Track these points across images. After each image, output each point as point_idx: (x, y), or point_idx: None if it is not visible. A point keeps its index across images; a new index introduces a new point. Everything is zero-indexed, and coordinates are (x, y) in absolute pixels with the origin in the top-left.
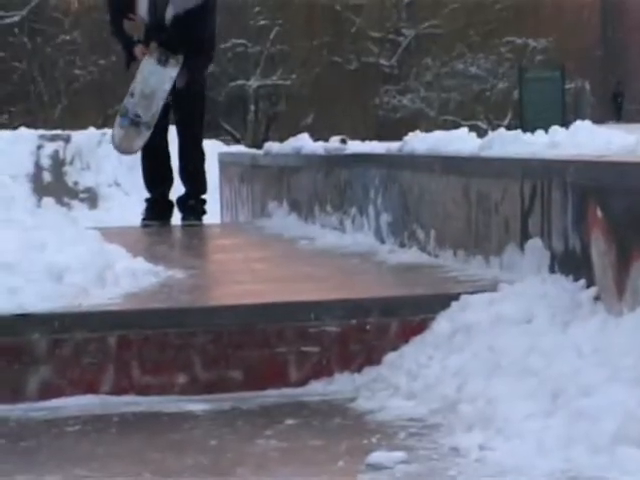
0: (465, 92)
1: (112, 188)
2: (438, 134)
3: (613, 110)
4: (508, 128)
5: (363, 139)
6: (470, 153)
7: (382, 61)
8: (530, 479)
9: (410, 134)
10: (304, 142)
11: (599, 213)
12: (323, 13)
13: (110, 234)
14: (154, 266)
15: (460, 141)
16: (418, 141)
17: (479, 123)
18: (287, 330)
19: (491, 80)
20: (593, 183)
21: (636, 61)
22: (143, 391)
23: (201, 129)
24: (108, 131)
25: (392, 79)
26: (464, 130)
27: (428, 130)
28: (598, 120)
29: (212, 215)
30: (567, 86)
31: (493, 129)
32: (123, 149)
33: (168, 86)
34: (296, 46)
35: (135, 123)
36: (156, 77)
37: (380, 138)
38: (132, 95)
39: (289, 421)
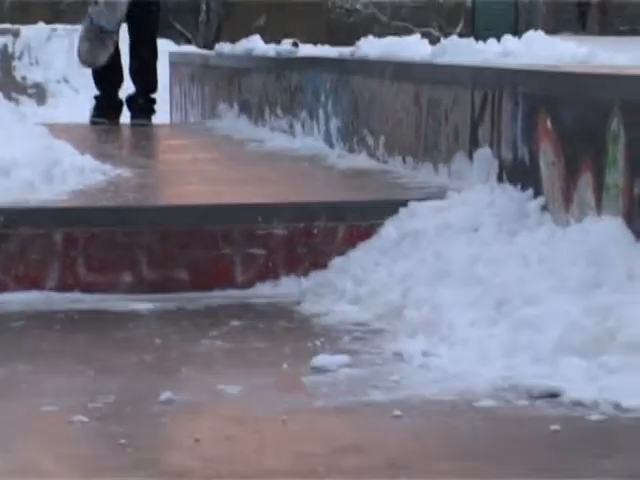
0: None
1: (61, 84)
2: (390, 40)
3: (577, 19)
4: (460, 36)
5: (315, 43)
6: (422, 60)
7: None
8: (472, 385)
9: (362, 39)
10: (256, 44)
11: (549, 123)
12: None
13: (58, 130)
14: (102, 164)
15: (412, 47)
16: (370, 46)
17: (431, 30)
18: (234, 232)
19: None
20: (544, 93)
21: None
22: (88, 289)
23: (156, 26)
24: (58, 26)
25: None
26: (417, 36)
27: (380, 36)
28: (551, 31)
29: (162, 115)
30: None
31: (445, 37)
32: (88, 63)
33: None
34: None
35: (100, 37)
36: None
37: (332, 42)
38: (96, 3)
39: (234, 322)
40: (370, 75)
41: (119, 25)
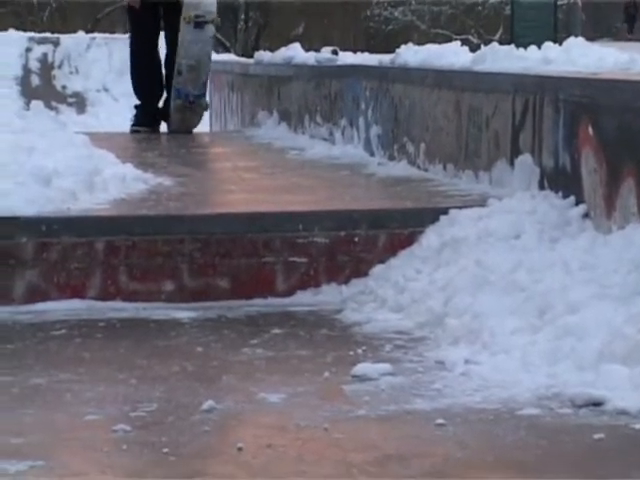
0: (457, 5)
1: (101, 93)
2: (430, 47)
3: (626, 22)
4: (499, 43)
5: (354, 51)
6: (462, 67)
7: None
8: (514, 394)
9: (402, 46)
10: (295, 52)
11: (590, 130)
12: None
13: (98, 139)
14: (143, 173)
15: (453, 55)
16: (410, 54)
17: (470, 37)
18: (275, 240)
19: None
20: (585, 100)
21: None
22: (130, 297)
23: None
24: (97, 35)
25: None
26: (457, 44)
27: (419, 43)
28: (590, 37)
29: (202, 124)
30: (559, 2)
31: (484, 44)
32: (184, 131)
33: (210, 48)
34: None
35: (190, 107)
36: (197, 44)
37: (370, 50)
38: (180, 73)
39: (275, 330)
40: (410, 83)
41: (205, 87)
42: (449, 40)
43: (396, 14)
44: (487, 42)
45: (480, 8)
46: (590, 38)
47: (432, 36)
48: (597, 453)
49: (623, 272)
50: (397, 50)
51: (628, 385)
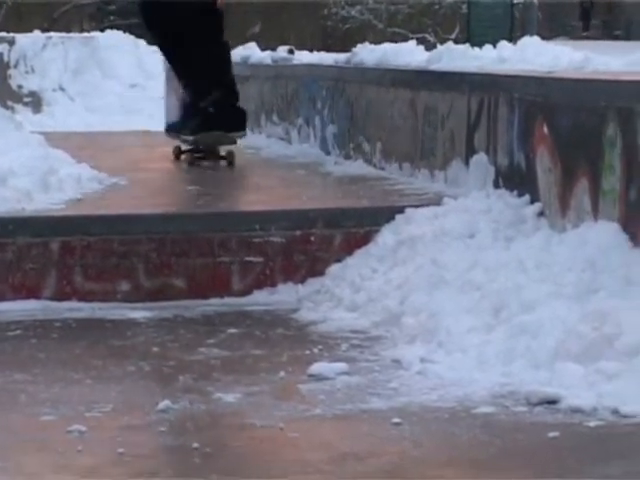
0: (414, 4)
1: (57, 93)
2: (386, 46)
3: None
4: (456, 42)
5: (311, 50)
6: (418, 66)
7: None
8: (470, 392)
9: (359, 45)
10: (252, 51)
11: (545, 129)
12: None
13: (54, 139)
14: (98, 173)
15: (408, 54)
16: (367, 53)
17: (427, 36)
18: (231, 239)
19: None
20: (540, 99)
21: None
22: (85, 297)
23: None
24: (53, 34)
25: None
26: (412, 43)
27: (376, 42)
28: (546, 36)
29: (158, 123)
30: (516, 1)
31: (441, 43)
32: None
33: None
34: None
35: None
36: None
37: (328, 49)
38: (209, 94)
39: (231, 330)
40: (366, 82)
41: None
42: (406, 39)
43: (353, 13)
44: (444, 41)
45: (437, 7)
46: (546, 37)
47: (389, 35)
48: (551, 450)
49: (577, 270)
50: (353, 49)
51: (582, 383)
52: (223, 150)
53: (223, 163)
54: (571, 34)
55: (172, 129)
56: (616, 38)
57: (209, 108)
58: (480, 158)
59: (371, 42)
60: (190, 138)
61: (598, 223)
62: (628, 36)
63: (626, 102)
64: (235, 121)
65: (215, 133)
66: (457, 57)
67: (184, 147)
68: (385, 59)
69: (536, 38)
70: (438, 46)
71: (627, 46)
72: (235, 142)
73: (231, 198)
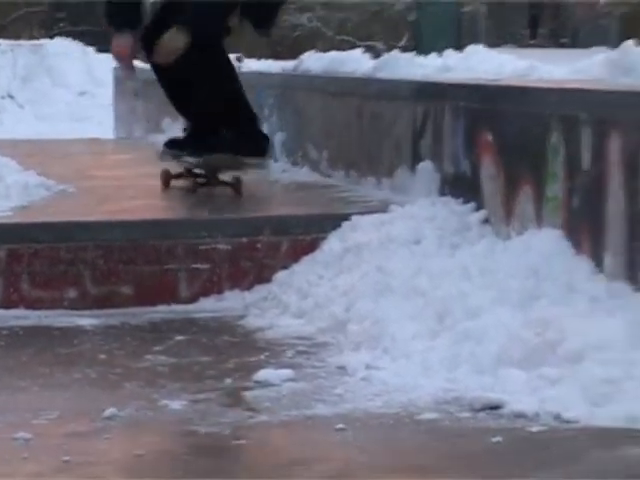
0: (362, 12)
1: (5, 100)
2: (333, 54)
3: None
4: (404, 50)
5: (260, 57)
6: (364, 74)
7: None
8: (414, 398)
9: (306, 53)
10: None
11: (489, 138)
12: None
13: (2, 147)
14: (46, 180)
15: (355, 62)
16: (313, 60)
17: (376, 44)
18: (178, 247)
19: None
20: (484, 107)
21: None
22: (33, 305)
23: None
24: (2, 42)
25: None
26: (358, 51)
27: (325, 50)
28: (494, 44)
29: (107, 130)
30: (464, 9)
31: (389, 50)
32: None
33: None
34: None
35: None
36: None
37: (277, 57)
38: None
39: (178, 337)
40: (313, 89)
41: None
42: (354, 47)
43: (302, 20)
44: (392, 48)
45: (386, 15)
46: (494, 44)
47: (337, 43)
48: (495, 455)
49: (521, 277)
50: (300, 57)
51: (525, 389)
52: (229, 176)
53: (229, 191)
54: (519, 42)
55: (173, 148)
56: (562, 46)
57: (225, 130)
58: (426, 166)
59: (320, 50)
60: (195, 160)
61: (541, 230)
62: (574, 44)
63: (569, 110)
64: (255, 145)
65: (232, 157)
66: (403, 65)
67: (174, 171)
68: (332, 67)
69: (481, 46)
70: (385, 54)
71: (573, 54)
72: (262, 167)
73: (179, 205)
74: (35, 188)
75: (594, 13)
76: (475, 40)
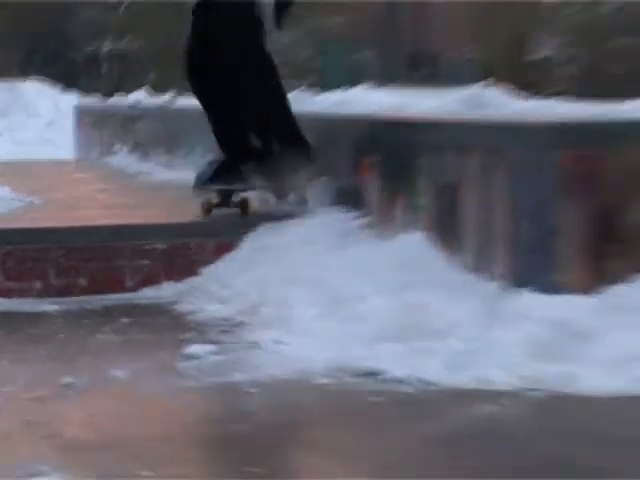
0: (275, 58)
1: None
2: None
3: (412, 70)
4: (310, 87)
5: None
6: None
7: None
8: (312, 367)
9: None
10: (143, 95)
11: (373, 159)
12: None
13: None
14: (17, 195)
15: None
16: None
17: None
18: (125, 247)
19: (298, 48)
20: (369, 135)
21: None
22: (6, 294)
23: None
24: None
25: None
26: None
27: None
28: (388, 82)
29: (67, 152)
30: (355, 56)
31: (296, 88)
32: None
33: None
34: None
35: None
36: None
37: None
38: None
39: (124, 319)
40: None
41: None
42: None
43: None
44: (298, 87)
45: (297, 59)
46: (381, 84)
47: None
48: (376, 411)
49: (395, 271)
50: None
51: (399, 359)
52: (236, 197)
53: (236, 210)
54: (403, 82)
55: (213, 181)
56: (438, 85)
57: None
58: (321, 182)
59: None
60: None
61: (411, 233)
62: (448, 84)
63: (433, 137)
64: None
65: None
66: (301, 101)
67: (216, 200)
68: None
69: (365, 86)
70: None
71: (442, 91)
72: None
73: (125, 213)
74: (10, 200)
75: (461, 58)
76: (366, 80)
